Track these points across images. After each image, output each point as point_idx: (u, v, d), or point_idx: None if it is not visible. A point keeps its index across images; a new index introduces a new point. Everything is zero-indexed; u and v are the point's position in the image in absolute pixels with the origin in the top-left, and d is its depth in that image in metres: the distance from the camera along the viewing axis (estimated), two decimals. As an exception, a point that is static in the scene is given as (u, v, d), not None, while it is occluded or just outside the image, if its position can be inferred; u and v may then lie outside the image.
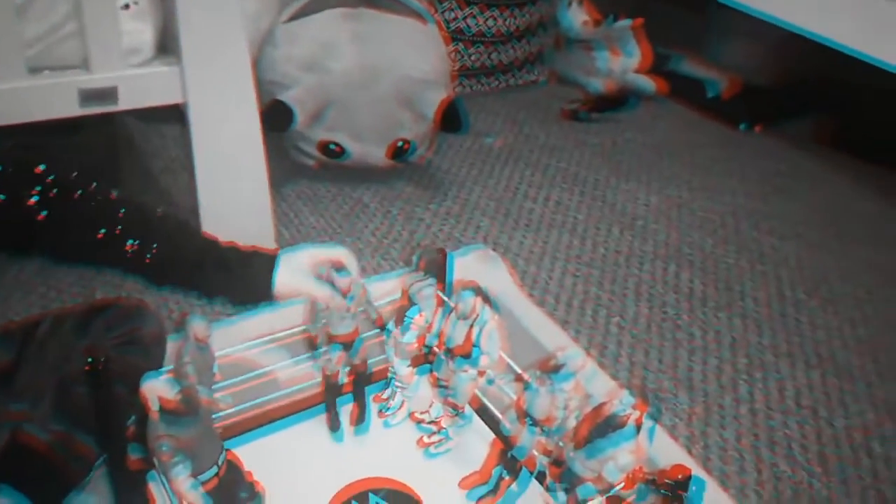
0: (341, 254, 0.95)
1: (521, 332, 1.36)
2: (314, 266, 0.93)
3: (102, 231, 0.85)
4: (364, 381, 1.01)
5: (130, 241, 0.86)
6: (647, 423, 0.75)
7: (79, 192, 0.85)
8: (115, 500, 0.92)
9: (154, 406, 0.68)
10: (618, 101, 2.37)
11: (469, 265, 1.22)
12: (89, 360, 0.78)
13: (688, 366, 1.36)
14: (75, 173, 0.86)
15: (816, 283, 1.64)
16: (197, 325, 0.79)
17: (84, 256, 0.91)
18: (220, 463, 0.75)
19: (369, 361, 1.01)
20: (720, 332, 1.46)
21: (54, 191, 0.83)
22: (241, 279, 0.89)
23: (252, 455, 0.91)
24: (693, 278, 1.61)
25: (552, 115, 2.30)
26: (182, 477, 0.68)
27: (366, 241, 1.60)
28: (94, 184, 0.87)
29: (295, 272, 0.91)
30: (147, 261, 0.87)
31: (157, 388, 0.68)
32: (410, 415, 1.02)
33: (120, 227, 0.85)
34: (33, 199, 0.82)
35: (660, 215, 1.84)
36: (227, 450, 0.76)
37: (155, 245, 0.86)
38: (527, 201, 1.83)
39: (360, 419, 1.01)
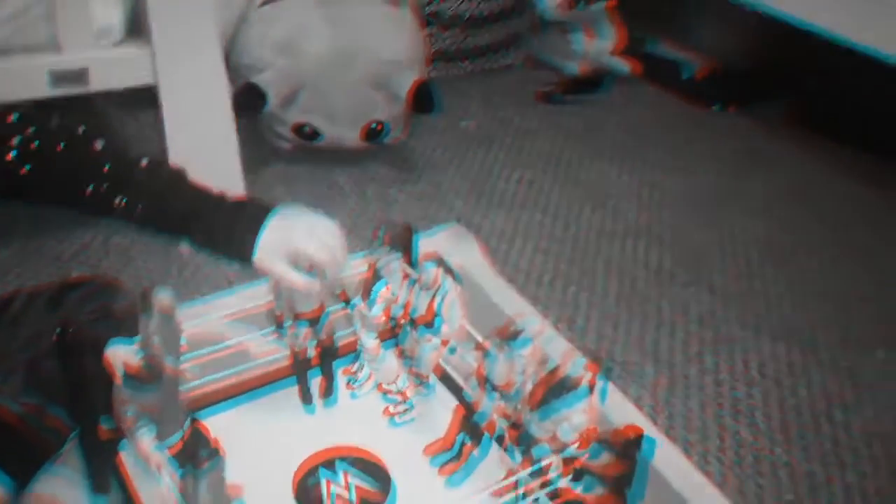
0: (325, 256, 0.91)
1: (490, 307, 1.39)
2: (293, 254, 0.89)
3: (90, 188, 0.83)
4: (331, 356, 1.03)
5: (118, 198, 0.84)
6: (599, 384, 0.77)
7: (61, 144, 0.83)
8: (87, 470, 0.95)
9: (119, 372, 0.70)
10: (593, 83, 2.39)
11: (440, 243, 1.24)
12: (58, 330, 0.79)
13: (654, 339, 1.39)
14: (56, 122, 0.84)
15: (785, 259, 1.68)
16: (162, 298, 0.80)
17: (73, 209, 0.88)
18: (184, 429, 0.77)
19: (336, 336, 1.03)
20: (688, 307, 1.49)
21: (35, 143, 0.81)
22: (224, 236, 0.86)
23: (220, 426, 0.93)
24: (662, 255, 1.64)
25: (527, 97, 2.32)
26: (146, 440, 0.70)
27: (340, 222, 1.59)
28: (82, 128, 0.84)
29: (274, 254, 0.87)
30: (136, 215, 0.85)
31: (120, 354, 0.69)
32: (378, 386, 1.04)
33: (106, 184, 0.83)
34: (11, 154, 0.81)
35: (631, 195, 1.87)
36: (192, 418, 0.78)
37: (141, 203, 0.85)
38: (500, 182, 1.86)
39: (328, 392, 1.03)
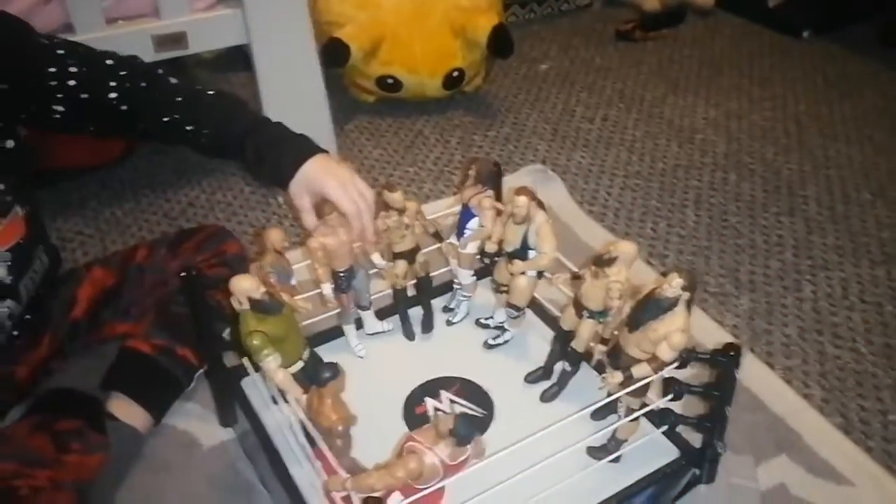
0: (351, 207, 0.92)
1: (579, 244, 1.41)
2: (319, 195, 0.93)
3: (165, 118, 0.92)
4: (428, 290, 1.08)
5: (188, 126, 0.92)
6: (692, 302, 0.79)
7: (145, 83, 0.92)
8: (215, 402, 1.03)
9: (244, 303, 0.76)
10: (671, 17, 2.33)
11: (525, 184, 1.25)
12: (182, 274, 0.86)
13: (749, 269, 1.38)
14: (140, 63, 0.93)
15: (882, 184, 1.62)
16: (275, 236, 0.86)
17: (160, 140, 0.99)
18: (304, 358, 0.83)
19: (432, 272, 1.08)
20: (783, 237, 1.47)
21: (126, 84, 0.90)
22: (271, 169, 0.92)
23: (331, 359, 1.00)
24: (754, 187, 1.61)
25: (605, 37, 2.28)
26: (273, 365, 0.76)
27: (426, 170, 1.65)
28: (160, 69, 0.93)
29: (304, 190, 0.92)
30: (202, 141, 0.93)
31: (244, 287, 0.75)
32: (476, 321, 1.09)
33: (177, 114, 0.92)
34: (112, 94, 0.90)
35: (718, 128, 1.83)
36: (310, 347, 0.84)
37: (206, 130, 0.92)
38: (583, 122, 1.85)
39: (427, 325, 1.08)
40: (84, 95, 0.88)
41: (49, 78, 0.86)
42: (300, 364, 0.81)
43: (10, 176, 0.88)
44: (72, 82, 0.87)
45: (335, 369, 0.70)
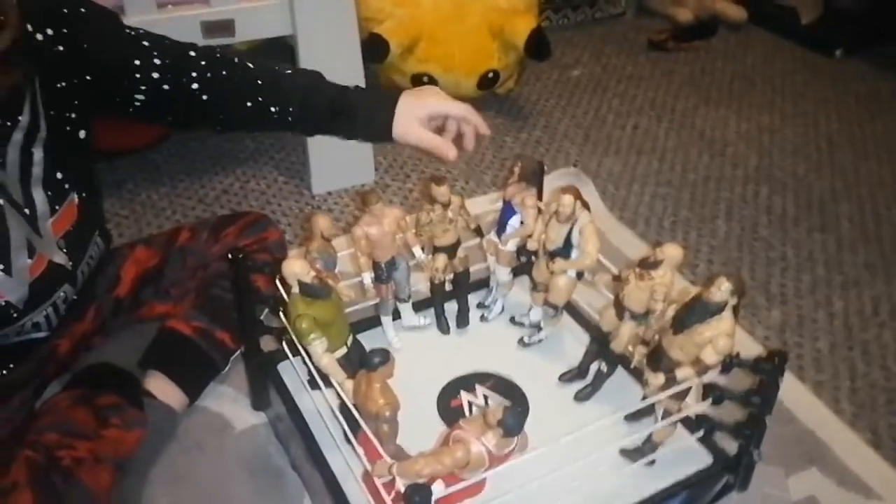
0: (459, 108, 0.98)
1: (611, 249, 1.41)
2: (428, 117, 0.97)
3: (248, 103, 0.93)
4: (466, 285, 1.08)
5: (272, 108, 0.93)
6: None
7: (224, 71, 0.93)
8: (249, 385, 1.04)
9: (294, 287, 0.77)
10: (704, 30, 2.33)
11: (558, 186, 1.26)
12: (229, 256, 0.86)
13: (780, 283, 1.38)
14: (218, 54, 0.94)
15: (914, 204, 1.62)
16: (323, 223, 0.86)
17: (241, 126, 1.01)
18: (348, 344, 0.83)
19: (470, 268, 1.08)
20: (813, 252, 1.46)
21: (208, 74, 0.91)
22: (366, 123, 0.96)
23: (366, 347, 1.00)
24: (786, 201, 1.61)
25: (638, 46, 2.29)
26: (320, 350, 0.76)
27: (459, 168, 1.66)
28: (235, 59, 0.94)
29: (412, 119, 0.95)
30: (289, 119, 0.95)
31: (296, 270, 0.76)
32: (511, 319, 1.09)
33: (260, 97, 0.93)
34: (194, 86, 0.91)
35: (751, 141, 1.83)
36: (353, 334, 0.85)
37: (292, 108, 0.94)
38: (614, 129, 1.85)
39: (462, 321, 1.08)
40: (166, 87, 0.89)
41: (134, 70, 0.88)
42: (344, 350, 0.82)
43: (73, 164, 0.88)
44: (156, 74, 0.88)
45: (386, 355, 0.71)
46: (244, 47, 1.95)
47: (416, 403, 0.95)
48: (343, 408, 0.79)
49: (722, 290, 0.78)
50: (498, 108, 1.90)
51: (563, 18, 2.36)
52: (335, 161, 1.48)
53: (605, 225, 1.49)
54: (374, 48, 1.61)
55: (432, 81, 1.76)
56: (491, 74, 1.77)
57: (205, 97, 0.91)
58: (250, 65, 0.94)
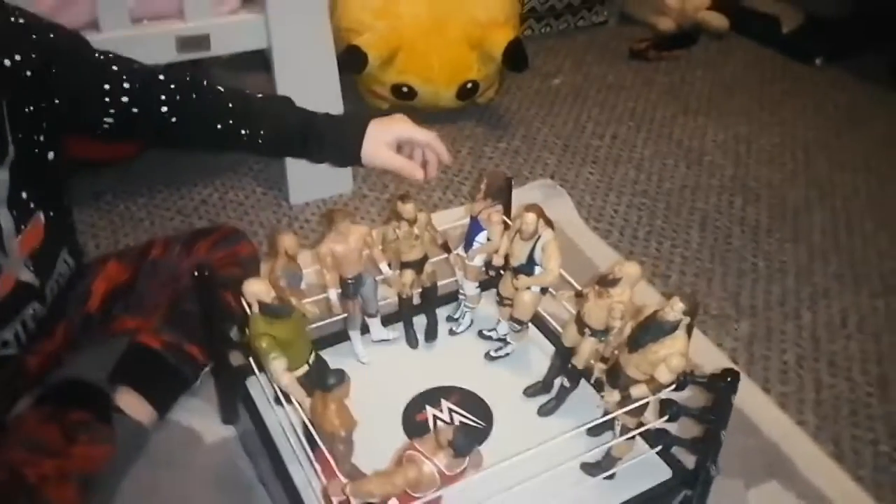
0: (425, 135, 1.02)
1: (584, 261, 1.43)
2: (395, 141, 1.00)
3: (218, 126, 0.95)
4: (433, 300, 1.09)
5: (242, 131, 0.96)
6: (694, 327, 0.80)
7: (194, 94, 0.94)
8: (218, 399, 1.05)
9: (254, 306, 0.78)
10: (685, 39, 2.35)
11: (533, 198, 1.28)
12: (195, 272, 0.88)
13: (750, 294, 1.40)
14: (188, 77, 0.96)
15: (886, 215, 1.64)
16: (288, 241, 0.88)
17: (209, 148, 1.02)
18: (310, 362, 0.85)
19: (438, 282, 1.09)
20: (785, 263, 1.48)
21: (177, 97, 0.93)
22: (335, 148, 0.99)
23: (335, 363, 1.01)
24: (759, 211, 1.63)
25: (619, 55, 2.30)
26: (280, 369, 0.78)
27: (436, 178, 1.66)
28: (205, 82, 0.96)
29: (380, 143, 0.99)
30: (259, 143, 0.97)
31: (256, 291, 0.77)
32: (479, 332, 1.10)
33: (231, 120, 0.95)
34: (163, 109, 0.92)
35: (728, 151, 1.85)
36: (315, 351, 0.86)
37: (262, 131, 0.96)
38: (593, 139, 1.87)
39: (430, 334, 1.10)
40: (135, 110, 0.91)
41: (103, 95, 0.89)
42: (305, 368, 0.83)
43: (40, 184, 0.89)
44: (125, 98, 0.90)
45: (341, 376, 0.72)
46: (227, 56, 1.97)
47: (381, 418, 0.97)
48: (304, 426, 0.80)
49: (675, 309, 0.80)
50: (478, 117, 1.91)
51: (545, 27, 2.37)
52: (313, 172, 1.48)
53: (580, 236, 1.50)
54: (352, 60, 1.62)
55: (412, 92, 1.77)
56: (470, 85, 1.78)
57: (174, 120, 0.93)
58: (221, 88, 0.96)
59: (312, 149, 0.99)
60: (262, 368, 0.87)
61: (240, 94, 0.97)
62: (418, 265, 1.04)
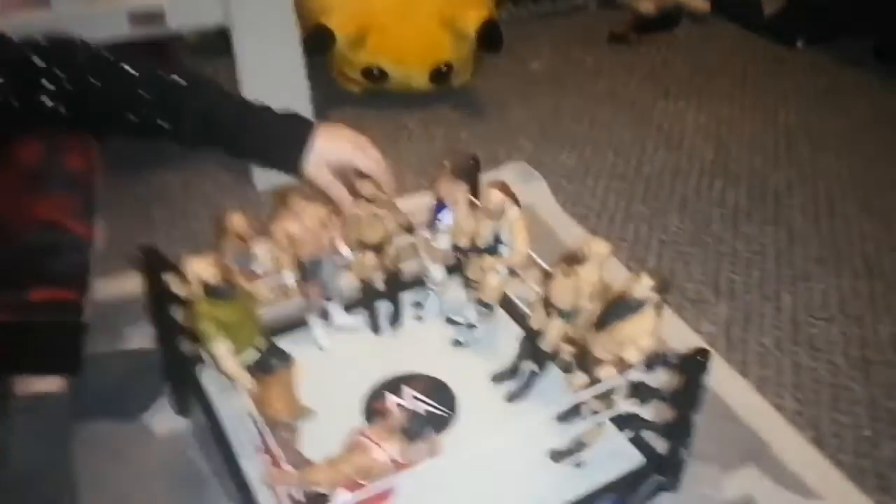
0: (370, 165, 0.92)
1: (559, 245, 1.39)
2: (338, 163, 0.90)
3: (131, 116, 0.84)
4: (397, 284, 1.05)
5: (161, 121, 0.85)
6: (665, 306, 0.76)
7: (90, 77, 0.82)
8: (170, 389, 1.00)
9: (197, 287, 0.73)
10: (666, 22, 2.31)
11: (507, 181, 1.23)
12: (140, 252, 0.83)
13: (729, 277, 1.36)
14: (83, 57, 0.83)
15: (869, 197, 1.60)
16: (236, 220, 0.83)
17: (134, 138, 0.89)
18: (260, 347, 0.80)
19: (402, 266, 1.05)
20: (765, 245, 1.44)
21: (67, 87, 0.81)
22: (273, 148, 0.88)
23: (292, 351, 0.97)
24: (739, 194, 1.59)
25: (600, 38, 2.26)
26: (223, 353, 0.73)
27: (408, 164, 1.62)
28: (114, 66, 0.84)
29: (322, 163, 0.89)
30: (184, 134, 0.87)
31: (198, 271, 0.72)
32: (447, 318, 1.06)
33: (145, 109, 0.84)
34: (44, 98, 0.81)
35: (708, 134, 1.81)
36: (267, 336, 0.81)
37: (186, 124, 0.86)
38: (571, 123, 1.83)
39: (395, 319, 1.05)
40: (15, 104, 0.80)
41: None
42: (253, 353, 0.78)
43: None
44: None
45: (285, 357, 0.67)
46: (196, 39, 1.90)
47: (341, 407, 0.92)
48: (252, 414, 0.76)
49: (643, 286, 0.76)
50: (453, 101, 1.87)
51: (523, 10, 2.33)
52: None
53: (555, 221, 1.46)
54: (318, 39, 1.57)
55: (383, 74, 1.72)
56: (444, 68, 1.73)
57: (63, 111, 0.82)
58: (133, 71, 0.84)
59: (243, 150, 0.90)
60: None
61: (161, 83, 0.85)
62: (380, 247, 1.00)
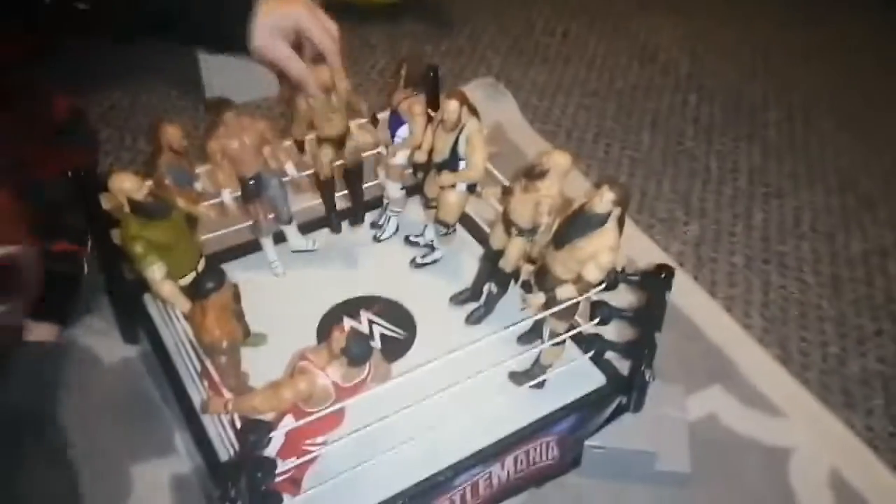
0: (323, 35, 0.80)
1: (525, 163, 1.34)
2: (293, 30, 0.79)
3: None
4: (357, 181, 0.99)
5: (82, 5, 0.74)
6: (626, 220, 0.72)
7: None
8: (116, 317, 0.96)
9: (124, 204, 0.68)
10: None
11: (474, 99, 1.17)
12: (71, 174, 0.77)
13: (700, 196, 1.32)
14: None
15: (845, 111, 1.56)
16: (172, 133, 0.77)
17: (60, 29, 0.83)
18: (198, 269, 0.75)
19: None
20: (738, 162, 1.41)
21: None
22: (213, 27, 0.78)
23: (242, 276, 0.92)
24: (714, 109, 1.54)
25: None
26: (158, 277, 0.69)
27: (371, 81, 1.55)
28: None
29: (275, 31, 0.77)
30: (106, 19, 0.77)
31: (124, 188, 0.67)
32: (405, 238, 1.02)
33: None
34: None
35: (683, 47, 1.74)
36: (204, 256, 0.77)
37: (109, 4, 0.76)
38: (542, 36, 1.75)
39: (356, 220, 1.00)
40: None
41: None
42: (192, 276, 0.74)
43: None
44: None
45: (220, 278, 0.63)
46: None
47: (294, 332, 0.88)
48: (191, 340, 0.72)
49: (604, 200, 0.71)
50: (420, 14, 1.78)
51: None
52: (232, 71, 1.37)
53: (524, 139, 1.41)
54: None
55: (344, -15, 1.62)
56: (408, -23, 1.64)
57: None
58: None
59: (183, 34, 0.79)
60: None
61: None
62: (338, 141, 0.93)
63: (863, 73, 1.68)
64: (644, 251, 1.16)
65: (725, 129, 1.49)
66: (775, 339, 1.06)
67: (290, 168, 0.88)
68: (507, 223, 0.84)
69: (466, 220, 1.01)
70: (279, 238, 0.97)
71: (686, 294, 1.07)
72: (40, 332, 0.90)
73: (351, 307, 0.92)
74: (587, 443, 0.85)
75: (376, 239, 1.02)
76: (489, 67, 1.63)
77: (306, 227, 1.00)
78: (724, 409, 0.95)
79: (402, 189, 1.00)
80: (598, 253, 0.72)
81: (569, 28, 1.79)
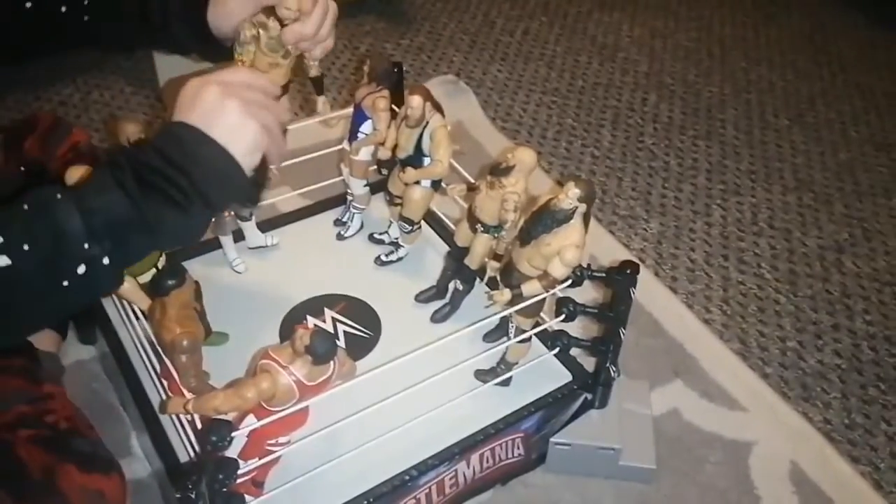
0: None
1: (488, 161, 1.34)
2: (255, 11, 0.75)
3: (28, 2, 0.72)
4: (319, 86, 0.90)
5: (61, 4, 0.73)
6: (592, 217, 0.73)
7: None
8: (73, 317, 0.93)
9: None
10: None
11: (435, 95, 1.16)
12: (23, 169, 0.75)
13: (661, 193, 1.34)
14: None
15: (802, 110, 1.59)
16: (130, 129, 0.75)
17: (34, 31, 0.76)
18: (159, 266, 0.73)
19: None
20: (697, 160, 1.42)
21: None
22: (181, 18, 0.76)
23: (204, 273, 0.91)
24: (673, 108, 1.56)
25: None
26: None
27: (331, 78, 1.53)
28: None
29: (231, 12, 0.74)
30: (87, 22, 0.75)
31: (75, 177, 0.64)
32: (369, 236, 1.01)
33: None
34: None
35: (642, 47, 1.76)
36: (166, 254, 0.75)
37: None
38: (503, 35, 1.75)
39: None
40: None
41: None
42: (152, 273, 0.72)
43: None
44: None
45: (181, 275, 0.61)
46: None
47: (256, 331, 0.87)
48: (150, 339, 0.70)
49: (570, 196, 0.71)
50: (379, 11, 1.76)
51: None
52: (187, 68, 1.33)
53: (485, 136, 1.40)
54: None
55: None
56: (368, -27, 1.63)
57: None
58: None
59: (157, 25, 0.77)
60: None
61: None
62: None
63: (817, 72, 1.72)
64: (606, 249, 1.16)
65: (684, 127, 1.51)
66: (735, 335, 1.08)
67: None
68: (473, 220, 0.84)
69: (431, 218, 1.00)
70: (239, 236, 0.95)
71: (647, 290, 1.08)
72: (45, 342, 0.88)
73: (315, 306, 0.91)
74: (553, 440, 0.85)
75: (340, 236, 1.01)
76: (450, 65, 1.62)
77: (264, 226, 0.98)
78: (686, 403, 0.96)
79: (365, 186, 0.99)
80: (563, 249, 0.72)
81: (528, 27, 1.79)
